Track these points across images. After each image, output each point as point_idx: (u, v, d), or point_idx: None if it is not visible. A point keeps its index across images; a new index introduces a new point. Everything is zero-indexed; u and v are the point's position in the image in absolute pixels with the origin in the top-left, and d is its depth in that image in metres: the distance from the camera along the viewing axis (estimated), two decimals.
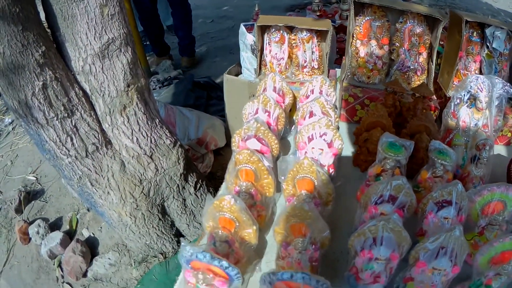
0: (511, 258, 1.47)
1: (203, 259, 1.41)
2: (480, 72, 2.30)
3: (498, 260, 1.50)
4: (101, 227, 2.83)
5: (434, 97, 2.31)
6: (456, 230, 1.43)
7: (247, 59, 2.71)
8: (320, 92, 2.20)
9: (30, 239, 2.83)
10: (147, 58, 4.66)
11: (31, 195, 3.17)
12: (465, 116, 2.00)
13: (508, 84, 2.06)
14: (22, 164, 3.50)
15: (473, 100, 1.99)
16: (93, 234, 2.80)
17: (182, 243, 1.42)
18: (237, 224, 1.59)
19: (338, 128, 2.08)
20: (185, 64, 4.77)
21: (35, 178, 3.34)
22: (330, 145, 1.93)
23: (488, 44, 2.26)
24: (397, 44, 2.30)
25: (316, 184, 1.78)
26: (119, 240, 2.66)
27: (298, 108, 2.16)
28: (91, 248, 2.69)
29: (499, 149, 2.25)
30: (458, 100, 2.01)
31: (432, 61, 2.28)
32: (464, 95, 2.00)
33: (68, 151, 1.81)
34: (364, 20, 2.30)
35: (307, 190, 1.79)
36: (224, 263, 1.41)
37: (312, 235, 1.61)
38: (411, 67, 2.28)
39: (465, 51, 2.28)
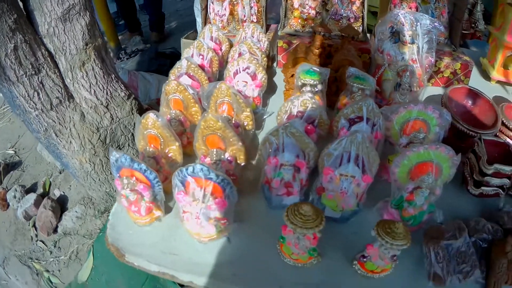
0: (429, 169, 1.46)
1: (124, 162, 1.44)
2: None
3: (416, 172, 1.49)
4: (70, 186, 2.95)
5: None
6: (358, 135, 1.43)
7: (200, 23, 2.74)
8: (253, 37, 2.23)
9: (8, 205, 2.91)
10: (122, 36, 4.94)
11: (9, 167, 3.28)
12: (390, 50, 2.01)
13: (437, 21, 2.07)
14: (2, 141, 3.65)
15: (397, 35, 1.98)
16: (63, 192, 2.91)
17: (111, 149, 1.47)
18: (162, 140, 1.63)
19: (265, 66, 2.17)
20: (154, 39, 4.94)
21: (13, 152, 3.48)
22: (253, 77, 1.95)
23: None
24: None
25: (234, 106, 1.77)
26: (85, 194, 2.77)
27: (230, 51, 2.17)
28: (61, 206, 2.81)
29: (440, 90, 2.34)
30: (381, 35, 2.02)
31: (364, 8, 2.30)
32: (386, 29, 1.99)
33: (35, 104, 2.00)
34: None
35: (226, 113, 1.83)
36: (143, 166, 1.43)
37: (226, 147, 1.62)
38: (344, 15, 2.29)
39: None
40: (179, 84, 1.73)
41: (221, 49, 2.30)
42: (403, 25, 1.97)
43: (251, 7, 2.49)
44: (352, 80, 1.83)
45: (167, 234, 1.46)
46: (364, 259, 1.35)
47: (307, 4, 2.34)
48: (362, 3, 2.36)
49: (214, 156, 1.56)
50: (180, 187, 1.34)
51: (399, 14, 1.97)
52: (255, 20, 2.51)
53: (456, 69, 2.24)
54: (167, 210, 1.56)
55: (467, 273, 1.44)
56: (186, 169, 1.31)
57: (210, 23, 2.57)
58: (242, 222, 1.48)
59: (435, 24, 2.03)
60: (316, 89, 1.82)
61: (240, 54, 2.10)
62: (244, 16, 2.51)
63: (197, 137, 1.60)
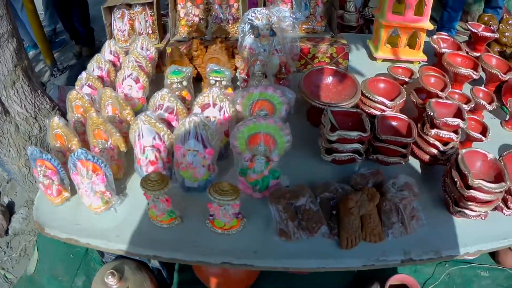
0: (260, 139, 1.66)
1: (36, 154, 1.74)
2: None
3: (252, 142, 1.68)
4: (16, 192, 3.39)
5: None
6: (196, 116, 1.66)
7: None
8: (142, 48, 2.45)
9: None
10: (58, 52, 5.32)
11: None
12: (252, 45, 2.19)
13: (296, 12, 2.28)
14: None
15: (256, 30, 2.16)
16: (11, 198, 3.35)
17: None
18: (65, 137, 1.89)
19: (152, 71, 2.45)
20: (85, 53, 5.09)
21: None
22: (137, 81, 2.26)
23: None
24: (211, 1, 2.56)
25: (117, 107, 2.07)
26: (28, 197, 3.17)
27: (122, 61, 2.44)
28: (10, 210, 3.23)
29: None
30: (241, 33, 2.21)
31: (240, 10, 2.51)
32: (244, 27, 2.19)
33: None
34: None
35: (111, 112, 2.11)
36: (49, 156, 1.73)
37: (109, 138, 1.88)
38: (223, 18, 2.50)
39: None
40: (78, 93, 1.97)
41: (119, 60, 2.51)
42: (260, 20, 2.13)
43: (146, 21, 2.70)
44: (210, 74, 2.07)
45: (74, 209, 1.77)
46: (211, 217, 1.54)
47: (191, 13, 2.54)
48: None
49: (100, 145, 1.81)
50: (73, 169, 1.65)
51: (255, 11, 2.14)
52: (150, 32, 2.71)
53: (332, 53, 2.41)
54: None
55: (313, 229, 1.59)
56: (74, 154, 1.61)
57: (115, 38, 2.79)
58: (124, 195, 1.80)
59: (294, 15, 2.21)
60: (180, 85, 2.08)
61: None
62: (141, 30, 2.71)
63: (88, 132, 1.85)
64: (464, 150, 1.83)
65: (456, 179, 1.75)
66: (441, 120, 1.88)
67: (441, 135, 1.92)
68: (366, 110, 2.08)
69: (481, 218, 1.81)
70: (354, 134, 1.79)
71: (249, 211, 1.64)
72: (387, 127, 1.98)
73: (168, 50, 2.52)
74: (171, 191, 1.54)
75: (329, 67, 2.22)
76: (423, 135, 1.96)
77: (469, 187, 1.69)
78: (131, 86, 2.20)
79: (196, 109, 1.83)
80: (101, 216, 1.69)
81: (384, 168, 1.93)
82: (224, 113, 1.81)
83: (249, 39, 2.18)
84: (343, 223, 1.53)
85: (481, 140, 2.05)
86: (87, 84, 2.13)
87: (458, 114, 1.98)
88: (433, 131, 1.92)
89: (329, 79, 2.15)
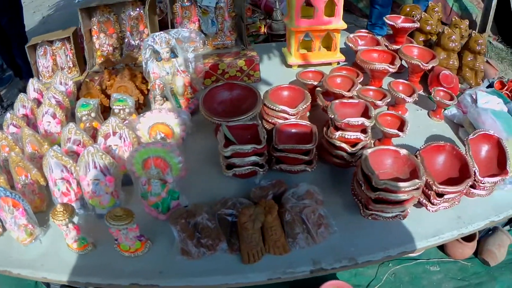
0: (151, 163, 1.61)
1: None
2: (200, 29, 2.36)
3: (145, 167, 1.64)
4: None
5: None
6: (91, 148, 1.63)
7: None
8: (61, 83, 2.33)
9: None
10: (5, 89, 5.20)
11: None
12: (155, 69, 2.10)
13: (196, 31, 2.18)
14: None
15: (157, 54, 2.06)
16: None
17: None
18: None
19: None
20: None
21: None
22: (54, 117, 2.12)
23: (198, 4, 2.34)
24: (123, 29, 2.41)
25: (35, 144, 1.95)
26: None
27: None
28: None
29: None
30: (144, 59, 2.11)
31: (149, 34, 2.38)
32: (146, 52, 2.11)
33: None
34: (95, 21, 2.44)
35: (31, 149, 1.98)
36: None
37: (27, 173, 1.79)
38: (135, 44, 2.37)
39: (182, 16, 2.36)
40: (2, 133, 1.92)
41: (42, 97, 2.40)
42: (159, 44, 2.05)
43: (66, 55, 2.60)
44: (113, 103, 2.00)
45: (8, 243, 1.70)
46: (116, 242, 1.51)
47: (105, 43, 2.42)
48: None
49: (21, 181, 1.76)
50: None
51: (154, 36, 2.07)
52: (71, 66, 2.60)
53: (241, 66, 2.26)
54: None
55: (212, 246, 1.51)
56: None
57: (40, 75, 2.68)
58: (47, 226, 1.73)
59: (194, 34, 2.11)
60: (90, 117, 2.00)
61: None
62: (63, 64, 2.62)
63: (11, 170, 1.79)
64: (370, 150, 1.69)
65: (361, 182, 1.61)
66: (343, 121, 1.71)
67: (346, 136, 1.78)
68: (270, 120, 1.95)
69: (400, 218, 1.68)
70: (247, 147, 1.68)
71: (155, 232, 1.61)
72: (289, 135, 1.86)
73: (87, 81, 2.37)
74: (86, 218, 1.64)
75: (232, 81, 2.13)
76: (329, 138, 1.81)
77: (376, 189, 1.55)
78: (50, 122, 2.12)
79: (100, 139, 1.80)
80: (28, 247, 1.65)
81: (295, 177, 1.82)
82: (124, 141, 1.78)
83: (152, 64, 2.10)
84: (242, 238, 1.48)
85: (397, 136, 1.90)
86: (12, 123, 2.13)
87: (366, 112, 1.80)
88: (338, 134, 1.78)
89: (230, 94, 2.03)
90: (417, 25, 2.42)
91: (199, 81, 2.19)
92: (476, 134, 1.89)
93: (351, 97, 1.97)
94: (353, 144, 1.79)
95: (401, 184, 1.52)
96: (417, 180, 1.54)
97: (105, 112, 2.16)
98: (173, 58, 2.09)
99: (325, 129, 1.85)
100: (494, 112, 2.12)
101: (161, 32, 2.08)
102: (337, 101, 1.87)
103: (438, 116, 2.22)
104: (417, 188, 1.57)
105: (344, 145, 1.78)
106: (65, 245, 1.61)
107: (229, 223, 1.59)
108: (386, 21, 2.42)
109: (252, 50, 2.37)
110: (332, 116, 1.77)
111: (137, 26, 2.48)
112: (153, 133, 1.82)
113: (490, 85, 2.90)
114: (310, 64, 2.47)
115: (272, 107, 1.92)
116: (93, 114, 1.98)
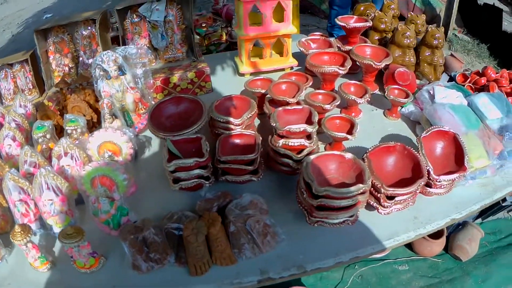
0: (97, 182, 1.61)
1: None
2: (151, 44, 2.26)
3: (94, 185, 1.63)
4: None
5: None
6: (44, 169, 1.58)
7: None
8: (20, 105, 2.24)
9: None
10: None
11: None
12: (105, 87, 2.03)
13: (143, 47, 2.13)
14: None
15: (106, 73, 2.01)
16: None
17: None
18: None
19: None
20: None
21: None
22: (14, 139, 2.01)
23: (147, 19, 2.24)
24: (78, 49, 2.33)
25: None
26: None
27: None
28: None
29: None
30: (94, 78, 2.04)
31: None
32: (95, 72, 2.02)
33: None
34: (50, 42, 2.35)
35: None
36: None
37: None
38: (88, 63, 2.30)
39: (132, 32, 2.27)
40: None
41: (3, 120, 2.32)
42: (107, 63, 1.97)
43: (26, 77, 2.53)
44: (66, 124, 1.92)
45: None
46: (72, 259, 1.47)
47: (61, 64, 2.34)
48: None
49: None
50: None
51: (101, 55, 1.98)
52: (31, 87, 2.53)
53: (192, 78, 2.16)
54: None
55: (159, 260, 1.47)
56: None
57: (3, 98, 2.61)
58: (12, 247, 1.66)
59: (140, 50, 2.04)
60: (45, 139, 1.92)
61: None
62: (23, 86, 2.55)
63: None
64: (313, 156, 1.60)
65: (303, 190, 1.53)
66: (284, 129, 1.61)
67: (290, 143, 1.69)
68: (217, 132, 1.87)
69: (349, 224, 1.59)
70: (190, 161, 1.60)
71: (109, 248, 1.57)
72: (233, 146, 1.77)
73: (46, 102, 2.29)
74: (45, 237, 1.61)
75: (179, 95, 2.04)
76: (273, 147, 1.72)
77: (318, 196, 1.46)
78: (10, 145, 2.05)
79: (54, 160, 1.76)
80: None
81: (242, 187, 1.73)
82: (76, 160, 1.74)
83: (102, 83, 2.03)
84: (188, 251, 1.44)
85: (346, 139, 1.79)
86: None
87: (310, 118, 1.69)
88: (281, 141, 1.69)
89: (177, 108, 1.95)
90: (369, 24, 2.31)
91: (151, 96, 2.12)
92: (430, 132, 1.80)
93: (297, 103, 1.85)
94: (299, 151, 1.70)
95: (343, 190, 1.43)
96: (360, 185, 1.45)
97: (62, 132, 2.06)
98: (121, 76, 2.02)
99: (270, 137, 1.74)
100: (452, 107, 2.03)
101: (108, 50, 2.00)
102: (280, 108, 1.78)
103: (394, 115, 2.11)
104: (362, 193, 1.48)
105: (289, 153, 1.68)
106: (27, 263, 1.58)
107: (176, 237, 1.54)
108: (337, 22, 2.31)
109: (203, 62, 2.28)
110: (274, 124, 1.68)
111: (90, 45, 2.40)
112: (102, 151, 1.79)
113: (453, 79, 2.78)
114: (262, 71, 2.34)
115: (217, 118, 1.83)
116: (48, 136, 1.92)
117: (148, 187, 1.79)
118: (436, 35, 2.31)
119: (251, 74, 2.36)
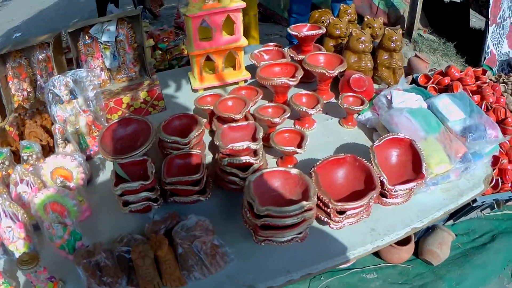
0: (48, 208, 1.56)
1: None
2: (104, 64, 2.18)
3: (46, 212, 1.57)
4: None
5: None
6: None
7: None
8: None
9: None
10: None
11: None
12: (58, 112, 1.95)
13: (91, 70, 2.11)
14: None
15: (58, 97, 1.94)
16: None
17: None
18: None
19: None
20: None
21: None
22: None
23: (99, 40, 2.16)
24: (35, 73, 2.30)
25: None
26: None
27: None
28: None
29: None
30: (48, 103, 1.95)
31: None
32: (48, 97, 1.94)
33: None
34: (9, 67, 2.29)
35: None
36: None
37: None
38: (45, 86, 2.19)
39: (86, 53, 2.20)
40: None
41: None
42: (58, 87, 1.90)
43: None
44: (22, 151, 1.84)
45: None
46: (32, 284, 1.44)
47: (19, 88, 2.27)
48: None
49: None
50: None
51: (53, 80, 1.92)
52: None
53: (144, 97, 2.06)
54: None
55: (112, 284, 1.42)
56: None
57: None
58: None
59: (91, 73, 1.99)
60: (4, 165, 1.84)
61: None
62: None
63: None
64: (256, 175, 1.51)
65: (246, 209, 1.45)
66: (227, 147, 1.53)
67: (235, 161, 1.59)
68: (166, 152, 1.78)
69: (297, 241, 1.49)
70: (135, 184, 1.53)
71: (68, 272, 1.52)
72: (180, 166, 1.67)
73: (7, 128, 2.18)
74: (8, 263, 1.56)
75: (128, 116, 1.95)
76: (220, 165, 1.63)
77: (260, 216, 1.37)
78: None
79: (11, 186, 1.71)
80: None
81: (191, 207, 1.65)
82: (31, 187, 1.68)
83: (55, 107, 1.95)
84: (138, 274, 1.40)
85: (295, 153, 1.68)
86: None
87: (255, 134, 1.60)
88: (226, 160, 1.60)
89: (126, 130, 1.88)
90: (322, 31, 2.20)
91: (104, 118, 2.03)
92: (383, 140, 1.71)
93: (244, 118, 1.74)
94: (245, 167, 1.59)
95: (285, 208, 1.34)
96: (304, 203, 1.36)
97: None
98: (73, 99, 1.95)
99: (216, 155, 1.64)
100: (410, 111, 1.93)
101: (59, 75, 1.93)
102: (225, 126, 1.68)
103: (350, 123, 2.00)
104: (308, 210, 1.39)
105: (235, 171, 1.59)
106: None
107: (127, 260, 1.48)
108: (289, 31, 2.20)
109: (155, 80, 2.18)
110: (217, 143, 1.60)
111: (46, 68, 2.29)
112: (54, 177, 1.74)
113: (415, 80, 2.67)
114: (216, 86, 2.22)
115: (164, 139, 1.74)
116: (7, 163, 1.85)
117: (102, 210, 1.72)
118: (393, 38, 2.21)
119: (205, 89, 2.25)
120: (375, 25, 2.41)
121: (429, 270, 2.35)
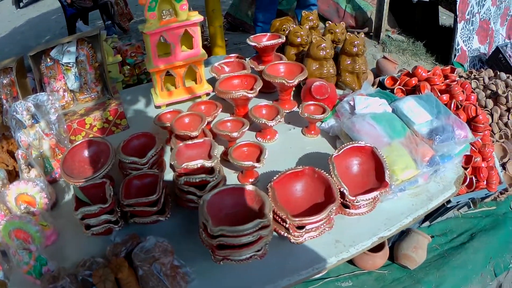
0: (12, 235, 1.57)
1: None
2: (67, 86, 2.22)
3: (11, 239, 1.58)
4: None
5: None
6: None
7: None
8: None
9: None
10: None
11: None
12: (22, 137, 1.91)
13: (55, 94, 2.10)
14: None
15: (20, 123, 1.93)
16: None
17: None
18: None
19: None
20: None
21: None
22: None
23: (60, 62, 2.19)
24: (0, 97, 2.25)
25: None
26: None
27: None
28: None
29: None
30: (12, 129, 1.94)
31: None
32: (11, 122, 1.92)
33: None
34: None
35: None
36: None
37: None
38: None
39: (48, 76, 2.21)
40: None
41: None
42: (20, 113, 1.89)
43: None
44: None
45: None
46: None
47: None
48: None
49: None
50: None
51: (15, 105, 1.90)
52: None
53: (106, 117, 2.04)
54: None
55: None
56: None
57: None
58: None
59: (52, 96, 1.98)
60: None
61: None
62: None
63: None
64: (211, 193, 1.48)
65: (201, 229, 1.44)
66: (181, 166, 1.51)
67: (191, 180, 1.56)
68: (125, 173, 1.76)
69: (257, 258, 1.46)
70: (94, 208, 1.52)
71: None
72: (138, 187, 1.65)
73: None
74: None
75: (89, 138, 1.90)
76: (177, 185, 1.61)
77: (215, 236, 1.35)
78: None
79: None
80: None
81: (153, 227, 1.63)
82: None
83: (18, 132, 1.94)
84: None
85: (254, 167, 1.68)
86: None
87: (210, 151, 1.58)
88: (182, 179, 1.57)
89: (88, 152, 1.87)
90: (281, 40, 2.18)
91: (67, 140, 2.02)
92: (342, 150, 1.70)
93: (202, 134, 1.72)
94: (203, 185, 1.57)
95: (239, 228, 1.32)
96: (258, 220, 1.34)
97: None
98: (36, 124, 1.94)
99: (174, 174, 1.61)
100: (374, 117, 1.91)
101: (20, 101, 1.93)
102: (181, 144, 1.65)
103: (313, 132, 1.99)
104: (264, 227, 1.37)
105: (191, 189, 1.57)
106: None
107: (90, 283, 1.45)
108: (248, 42, 2.18)
109: (118, 99, 2.16)
110: (172, 163, 1.59)
111: (11, 93, 2.25)
112: (18, 203, 1.73)
113: (381, 83, 2.67)
114: (178, 101, 2.21)
115: (123, 160, 1.72)
116: None
117: (68, 234, 1.70)
118: (355, 42, 2.20)
119: (167, 105, 2.23)
120: (337, 30, 2.40)
121: (406, 275, 2.34)
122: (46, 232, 1.64)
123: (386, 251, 2.26)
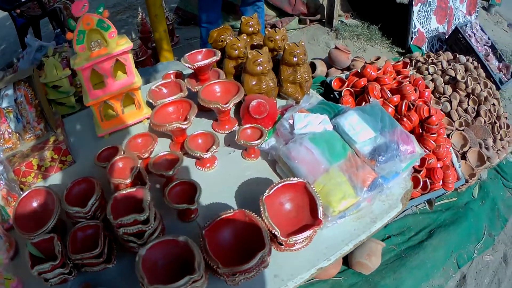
0: None
1: None
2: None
3: None
4: None
5: None
6: None
7: None
8: None
9: None
10: None
11: None
12: None
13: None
14: None
15: None
16: None
17: None
18: None
19: None
20: None
21: None
22: None
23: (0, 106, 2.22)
24: None
25: None
26: None
27: None
28: None
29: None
30: None
31: None
32: None
33: None
34: None
35: None
36: None
37: None
38: None
39: None
40: None
41: None
42: None
43: None
44: None
45: None
46: None
47: None
48: None
49: None
50: None
51: None
52: None
53: (51, 156, 2.13)
54: None
55: None
56: None
57: None
58: None
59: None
60: None
61: None
62: None
63: None
64: (147, 246, 1.52)
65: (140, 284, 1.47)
66: (116, 222, 1.58)
67: (129, 231, 1.62)
68: (73, 221, 1.80)
69: None
70: (46, 266, 1.56)
71: None
72: (83, 238, 1.72)
73: None
74: None
75: (36, 188, 1.92)
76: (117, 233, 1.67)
77: None
78: None
79: None
80: None
81: (105, 274, 1.70)
82: None
83: None
84: None
85: (189, 208, 1.77)
86: None
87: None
88: (121, 230, 1.62)
89: (36, 201, 1.88)
90: (216, 58, 2.17)
91: (17, 186, 2.04)
92: (273, 189, 1.65)
93: (136, 180, 1.77)
94: (142, 233, 1.64)
95: (171, 286, 1.38)
96: (188, 277, 1.41)
97: None
98: None
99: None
100: (313, 138, 1.89)
101: None
102: (116, 194, 1.73)
103: (252, 155, 2.03)
104: (196, 281, 1.44)
105: (131, 239, 1.64)
106: None
107: None
108: (183, 63, 2.17)
109: (60, 135, 2.21)
110: (109, 217, 1.62)
111: None
112: None
113: (328, 85, 2.70)
114: (120, 129, 2.27)
115: (67, 210, 1.75)
116: None
117: (32, 284, 1.73)
118: (295, 52, 2.19)
119: (110, 134, 2.27)
120: (277, 37, 2.37)
121: (362, 280, 2.44)
122: (11, 285, 1.69)
123: (339, 261, 2.35)
